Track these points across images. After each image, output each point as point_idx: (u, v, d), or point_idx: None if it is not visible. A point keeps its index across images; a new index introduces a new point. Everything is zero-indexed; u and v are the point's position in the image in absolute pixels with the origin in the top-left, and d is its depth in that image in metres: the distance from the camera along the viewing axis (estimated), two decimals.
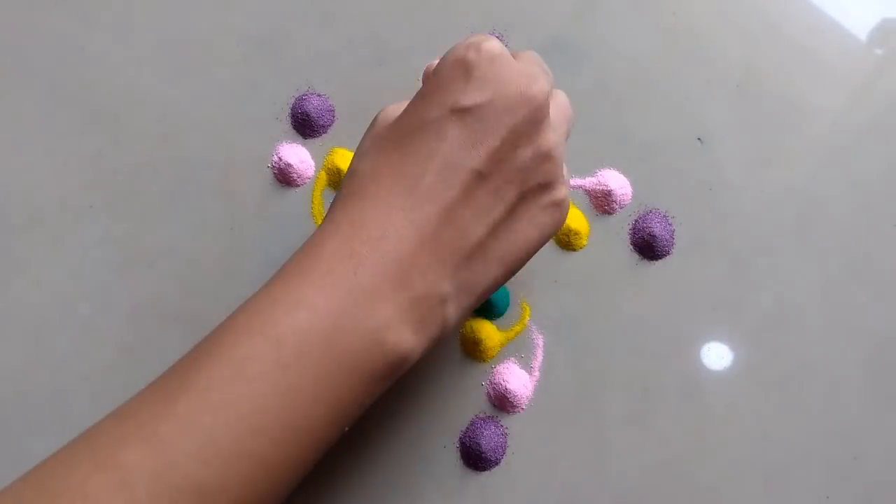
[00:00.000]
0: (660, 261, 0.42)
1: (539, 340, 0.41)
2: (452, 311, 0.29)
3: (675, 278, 0.42)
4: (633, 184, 0.43)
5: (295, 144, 0.43)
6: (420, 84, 0.44)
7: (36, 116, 0.43)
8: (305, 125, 0.43)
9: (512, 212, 0.29)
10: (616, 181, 0.42)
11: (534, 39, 0.44)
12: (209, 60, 0.44)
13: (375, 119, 0.32)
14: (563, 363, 0.41)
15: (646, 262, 0.42)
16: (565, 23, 0.44)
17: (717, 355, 0.42)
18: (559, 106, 0.32)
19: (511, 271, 0.30)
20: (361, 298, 0.27)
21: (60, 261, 0.42)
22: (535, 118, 0.29)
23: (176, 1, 0.44)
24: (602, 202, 0.42)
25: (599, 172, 0.43)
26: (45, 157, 0.43)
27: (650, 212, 0.42)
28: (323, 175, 0.43)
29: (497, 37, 0.44)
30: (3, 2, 0.44)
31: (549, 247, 0.42)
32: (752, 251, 0.42)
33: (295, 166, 0.42)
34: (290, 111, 0.43)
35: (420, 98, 0.30)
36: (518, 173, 0.29)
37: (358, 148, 0.32)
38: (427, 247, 0.28)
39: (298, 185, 0.43)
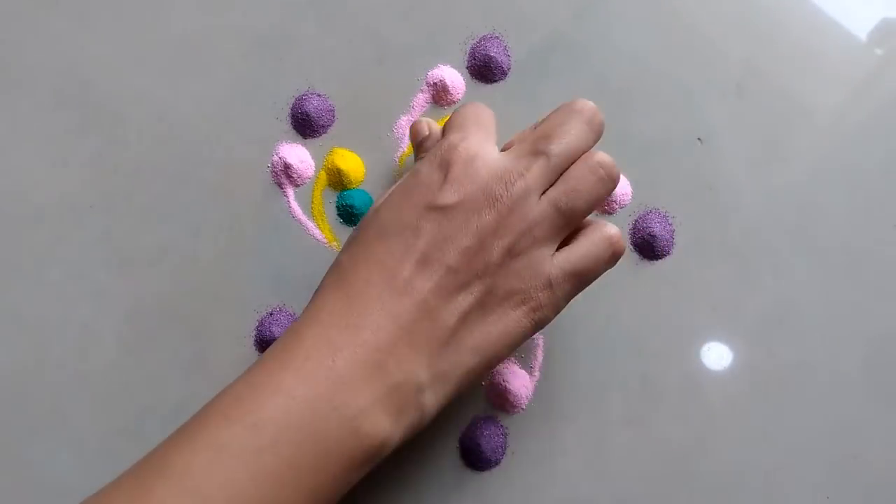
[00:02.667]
0: (660, 261, 0.42)
1: (539, 340, 0.41)
2: (430, 399, 0.30)
3: (675, 278, 0.42)
4: (633, 184, 0.43)
5: (295, 144, 0.43)
6: (419, 85, 0.44)
7: (36, 116, 0.43)
8: (305, 125, 0.43)
9: (482, 305, 0.31)
10: None
11: (534, 39, 0.44)
12: (209, 60, 0.44)
13: (366, 214, 0.33)
14: (563, 363, 0.41)
15: (646, 262, 0.42)
16: (565, 22, 0.44)
17: (717, 355, 0.41)
18: (572, 193, 0.32)
19: (489, 362, 0.31)
20: (339, 386, 0.28)
21: (60, 261, 0.42)
22: (503, 220, 0.30)
23: (175, 1, 0.44)
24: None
25: None
26: (45, 157, 0.43)
27: (650, 212, 0.42)
28: (323, 175, 0.43)
29: (497, 37, 0.44)
30: (4, 2, 0.44)
31: None
32: (752, 251, 0.42)
33: (295, 166, 0.42)
34: (290, 111, 0.43)
35: (400, 194, 0.32)
36: (486, 270, 0.30)
37: (346, 240, 0.33)
38: (404, 337, 0.29)
39: (298, 185, 0.43)
